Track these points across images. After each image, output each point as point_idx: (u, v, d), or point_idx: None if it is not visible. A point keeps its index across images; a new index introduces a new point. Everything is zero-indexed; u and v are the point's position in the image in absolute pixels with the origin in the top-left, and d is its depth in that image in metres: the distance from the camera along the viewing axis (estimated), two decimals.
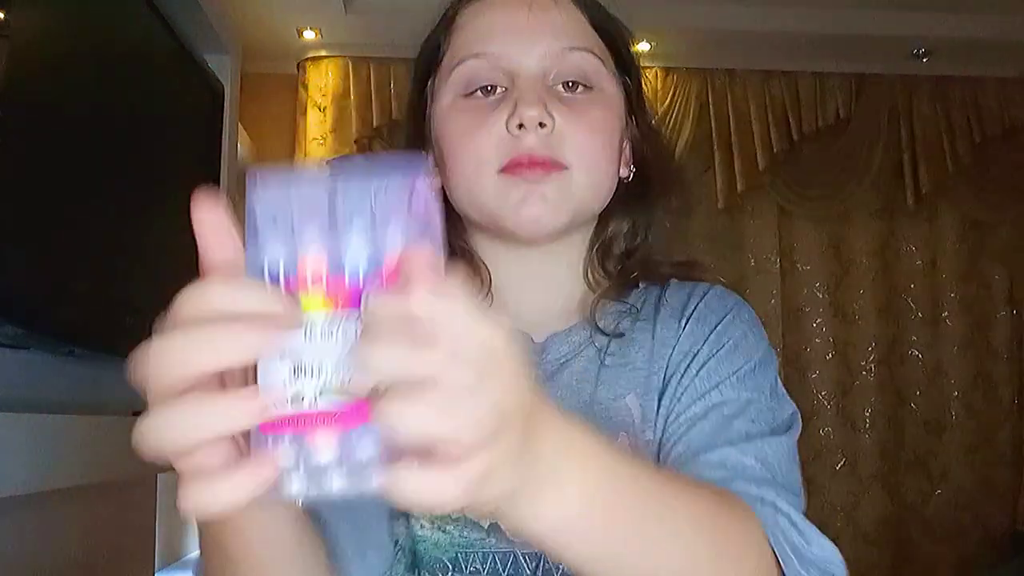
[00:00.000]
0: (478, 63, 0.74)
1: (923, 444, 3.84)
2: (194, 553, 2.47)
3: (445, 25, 0.78)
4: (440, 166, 0.76)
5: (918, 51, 3.67)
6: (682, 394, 0.70)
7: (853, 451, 3.78)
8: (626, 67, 0.80)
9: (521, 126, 0.70)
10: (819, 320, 3.86)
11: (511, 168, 0.71)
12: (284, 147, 3.64)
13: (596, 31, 0.77)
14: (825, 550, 0.60)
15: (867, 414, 3.82)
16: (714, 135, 3.73)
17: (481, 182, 0.73)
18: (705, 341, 0.72)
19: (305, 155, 3.57)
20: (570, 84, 0.74)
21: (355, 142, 3.47)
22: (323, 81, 3.60)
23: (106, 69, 1.87)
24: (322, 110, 3.59)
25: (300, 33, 3.43)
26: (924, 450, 3.83)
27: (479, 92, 0.74)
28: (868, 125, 3.81)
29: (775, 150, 3.73)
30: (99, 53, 1.85)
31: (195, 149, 2.49)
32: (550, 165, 0.72)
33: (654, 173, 0.80)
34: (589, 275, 0.79)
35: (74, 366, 1.88)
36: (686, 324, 0.74)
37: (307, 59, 3.62)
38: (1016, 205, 3.84)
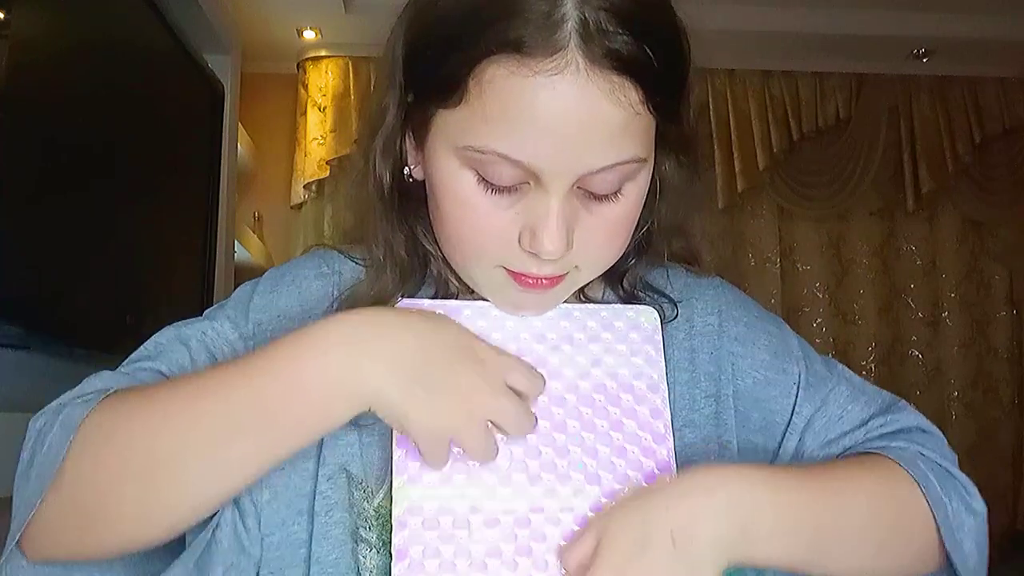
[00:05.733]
0: (500, 162, 0.60)
1: None
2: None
3: (466, 64, 0.60)
4: (430, 204, 0.68)
5: (918, 51, 3.66)
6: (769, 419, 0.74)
7: None
8: (679, 112, 0.67)
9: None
10: (819, 320, 3.85)
11: (515, 275, 0.65)
12: (284, 147, 3.64)
13: (651, 103, 0.61)
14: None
15: None
16: (714, 135, 3.72)
17: (477, 267, 0.66)
18: (764, 363, 0.75)
19: (305, 155, 3.57)
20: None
21: (355, 142, 3.46)
22: (323, 81, 3.60)
23: (106, 69, 1.87)
24: (322, 110, 3.58)
25: (300, 33, 3.43)
26: None
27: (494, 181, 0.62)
28: (868, 125, 3.81)
29: (775, 150, 3.73)
30: (99, 53, 1.85)
31: (195, 149, 2.49)
32: (558, 280, 0.66)
33: (674, 189, 0.73)
34: (582, 295, 0.75)
35: (74, 366, 1.88)
36: (727, 326, 0.76)
37: (307, 59, 3.62)
38: (1016, 205, 3.84)
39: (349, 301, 0.71)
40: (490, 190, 0.62)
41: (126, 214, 1.97)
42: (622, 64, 0.58)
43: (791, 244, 3.89)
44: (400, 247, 0.71)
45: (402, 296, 0.70)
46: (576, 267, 0.66)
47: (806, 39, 3.54)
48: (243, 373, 0.59)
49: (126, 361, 0.70)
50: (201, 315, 0.74)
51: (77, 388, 0.65)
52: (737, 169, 3.71)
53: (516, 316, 0.68)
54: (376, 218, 0.72)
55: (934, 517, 0.65)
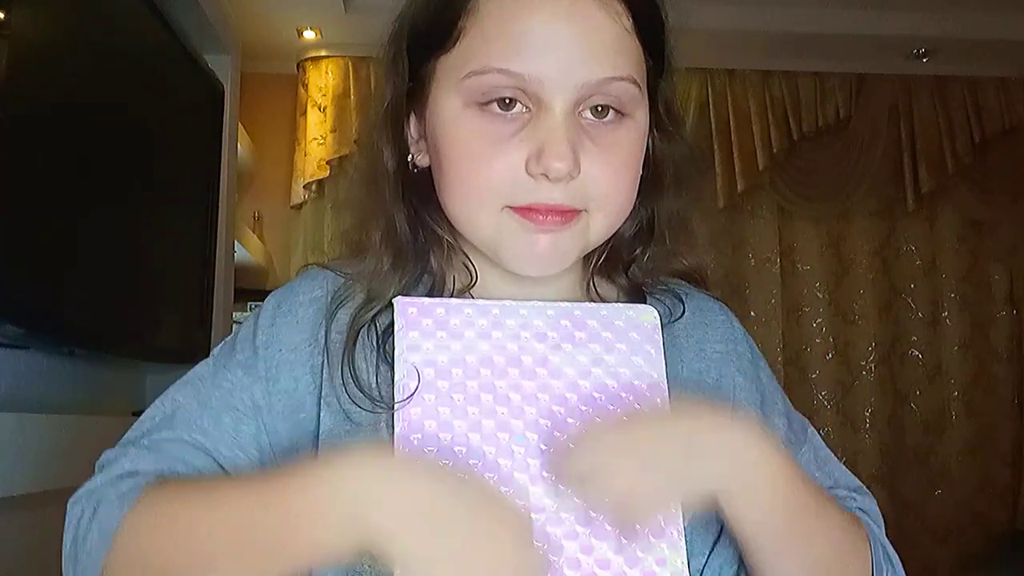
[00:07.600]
0: (501, 79, 0.63)
1: (923, 444, 3.84)
2: None
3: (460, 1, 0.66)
4: (435, 169, 0.69)
5: (918, 51, 3.67)
6: None
7: (853, 451, 3.78)
8: (664, 71, 0.71)
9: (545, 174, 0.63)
10: (819, 320, 3.86)
11: (524, 211, 0.65)
12: (284, 147, 3.64)
13: (640, 35, 0.67)
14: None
15: (867, 414, 3.82)
16: (714, 135, 3.72)
17: (485, 213, 0.66)
18: (757, 387, 0.76)
19: (305, 155, 3.57)
20: (600, 108, 0.66)
21: (355, 142, 3.47)
22: (323, 81, 3.60)
23: (106, 69, 1.87)
24: (322, 110, 3.58)
25: (300, 33, 3.44)
26: (924, 450, 3.83)
27: (495, 103, 0.64)
28: (868, 125, 3.81)
29: (775, 150, 3.73)
30: (99, 53, 1.85)
31: (195, 149, 2.49)
32: (570, 214, 0.66)
33: (669, 170, 0.74)
34: (593, 288, 0.74)
35: (74, 366, 1.88)
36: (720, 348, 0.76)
37: (307, 59, 3.62)
38: (1016, 205, 3.84)
39: (341, 299, 0.70)
40: (493, 123, 0.64)
41: (126, 214, 1.97)
42: None
43: (791, 244, 3.89)
44: (402, 224, 0.71)
45: (400, 294, 0.68)
46: (587, 210, 0.66)
47: (806, 39, 3.54)
48: (260, 500, 0.58)
49: (144, 422, 0.69)
50: (210, 357, 0.73)
51: (109, 467, 0.66)
52: (737, 169, 3.71)
53: (531, 276, 0.68)
54: (379, 197, 0.72)
55: None
